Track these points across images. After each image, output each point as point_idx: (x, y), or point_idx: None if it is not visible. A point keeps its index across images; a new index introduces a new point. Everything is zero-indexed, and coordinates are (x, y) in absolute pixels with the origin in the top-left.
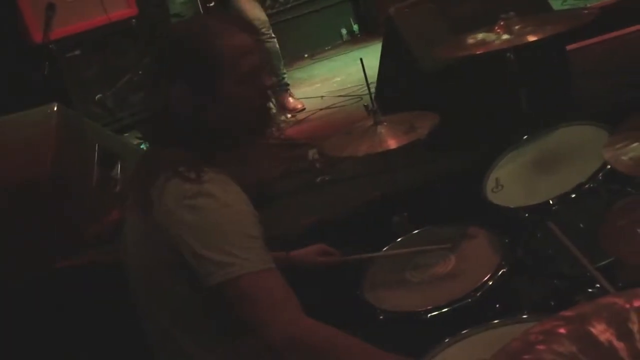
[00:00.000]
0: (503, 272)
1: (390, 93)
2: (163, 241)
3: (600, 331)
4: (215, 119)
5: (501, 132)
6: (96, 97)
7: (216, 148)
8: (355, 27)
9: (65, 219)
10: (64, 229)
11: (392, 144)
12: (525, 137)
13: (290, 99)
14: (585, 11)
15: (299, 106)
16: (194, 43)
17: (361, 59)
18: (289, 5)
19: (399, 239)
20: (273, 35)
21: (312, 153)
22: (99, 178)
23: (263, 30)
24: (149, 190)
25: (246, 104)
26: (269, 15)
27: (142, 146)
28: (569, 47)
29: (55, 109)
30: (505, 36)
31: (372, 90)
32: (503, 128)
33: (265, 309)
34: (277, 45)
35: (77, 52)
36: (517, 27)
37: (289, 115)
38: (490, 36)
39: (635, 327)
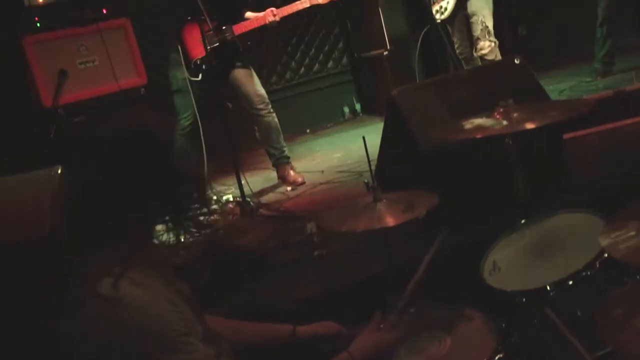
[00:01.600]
0: (499, 357)
1: (390, 171)
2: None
3: None
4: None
5: (498, 214)
6: None
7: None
8: (358, 106)
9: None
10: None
11: (391, 221)
12: (523, 221)
13: (291, 172)
14: (582, 102)
15: (299, 180)
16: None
17: (364, 137)
18: (294, 82)
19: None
20: (271, 110)
21: (310, 226)
22: None
23: (261, 105)
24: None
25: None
26: (274, 91)
27: None
28: (566, 136)
29: (59, 171)
30: (504, 122)
31: (372, 167)
32: (500, 210)
33: None
34: (276, 120)
35: (83, 118)
36: (515, 115)
37: (288, 188)
38: (490, 121)
39: None
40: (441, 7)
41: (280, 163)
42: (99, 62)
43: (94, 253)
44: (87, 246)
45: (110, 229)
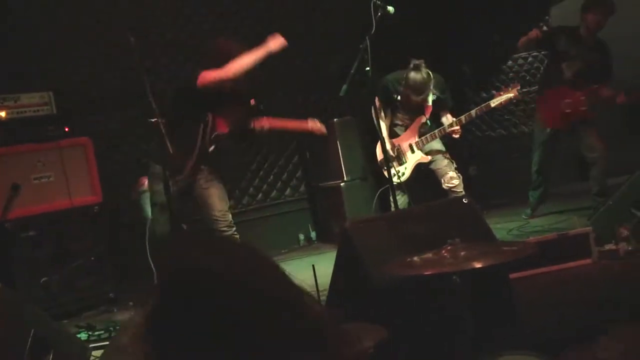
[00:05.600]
0: None
1: (340, 302)
2: None
3: None
4: None
5: (446, 353)
6: (41, 280)
7: None
8: (313, 234)
9: None
10: None
11: None
12: None
13: None
14: (526, 245)
15: None
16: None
17: (313, 266)
18: (250, 207)
19: None
20: (235, 233)
21: None
22: None
23: (225, 227)
24: None
25: None
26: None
27: (79, 335)
28: (512, 276)
29: None
30: (451, 260)
31: (323, 297)
32: (450, 349)
33: None
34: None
35: (31, 233)
36: (462, 253)
37: None
38: (438, 258)
39: None
40: (398, 171)
41: None
42: (55, 178)
43: None
44: None
45: None
